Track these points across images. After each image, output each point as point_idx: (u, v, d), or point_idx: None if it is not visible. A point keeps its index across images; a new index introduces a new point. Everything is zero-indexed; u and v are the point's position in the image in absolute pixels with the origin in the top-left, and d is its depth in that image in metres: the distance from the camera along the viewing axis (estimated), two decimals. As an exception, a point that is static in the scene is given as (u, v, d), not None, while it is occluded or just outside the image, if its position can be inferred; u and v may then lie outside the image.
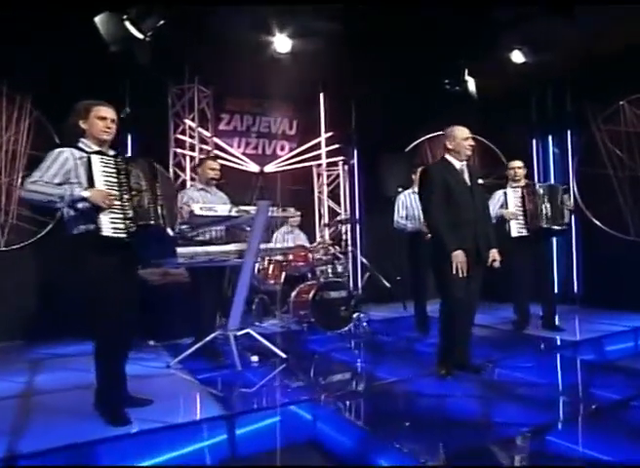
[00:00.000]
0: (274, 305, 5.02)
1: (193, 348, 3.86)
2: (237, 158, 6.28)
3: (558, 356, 4.08)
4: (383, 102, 6.49)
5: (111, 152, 2.76)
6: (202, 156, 5.57)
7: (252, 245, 3.82)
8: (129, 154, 5.36)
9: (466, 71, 5.73)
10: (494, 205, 4.65)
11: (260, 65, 5.41)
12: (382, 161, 6.95)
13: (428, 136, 7.36)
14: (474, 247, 3.26)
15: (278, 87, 6.16)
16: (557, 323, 4.73)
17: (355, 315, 4.77)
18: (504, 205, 4.62)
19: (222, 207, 3.68)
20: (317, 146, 6.67)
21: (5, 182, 4.73)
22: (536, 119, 6.58)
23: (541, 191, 4.57)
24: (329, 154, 6.71)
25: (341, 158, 6.78)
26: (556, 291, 5.90)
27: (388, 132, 6.63)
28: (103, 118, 2.70)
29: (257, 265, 4.93)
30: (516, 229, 4.57)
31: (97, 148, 2.69)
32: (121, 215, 2.62)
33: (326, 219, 6.55)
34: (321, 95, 6.66)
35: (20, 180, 4.69)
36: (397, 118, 6.55)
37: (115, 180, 2.64)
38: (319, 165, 6.70)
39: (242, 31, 4.87)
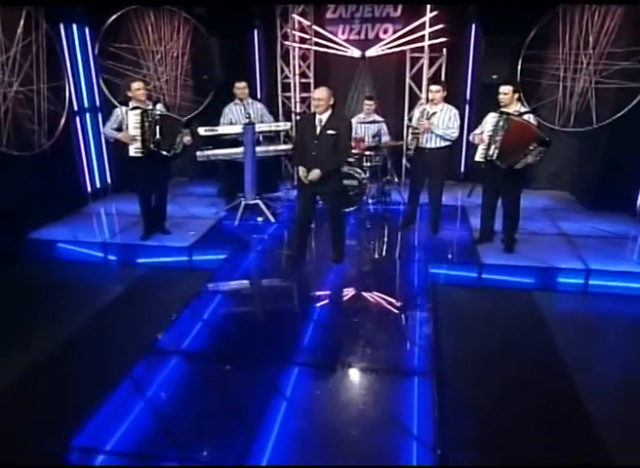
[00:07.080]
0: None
1: (228, 206, 6.49)
2: (341, 45, 7.29)
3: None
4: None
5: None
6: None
7: (247, 153, 5.81)
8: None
9: None
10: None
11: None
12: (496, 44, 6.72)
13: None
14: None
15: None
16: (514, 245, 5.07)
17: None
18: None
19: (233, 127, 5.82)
20: (423, 27, 6.87)
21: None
22: None
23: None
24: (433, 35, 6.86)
25: (444, 39, 6.83)
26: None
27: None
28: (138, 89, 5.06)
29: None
30: (479, 154, 4.84)
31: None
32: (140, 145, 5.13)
33: (422, 101, 7.08)
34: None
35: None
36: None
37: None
38: (418, 48, 6.99)
39: None
